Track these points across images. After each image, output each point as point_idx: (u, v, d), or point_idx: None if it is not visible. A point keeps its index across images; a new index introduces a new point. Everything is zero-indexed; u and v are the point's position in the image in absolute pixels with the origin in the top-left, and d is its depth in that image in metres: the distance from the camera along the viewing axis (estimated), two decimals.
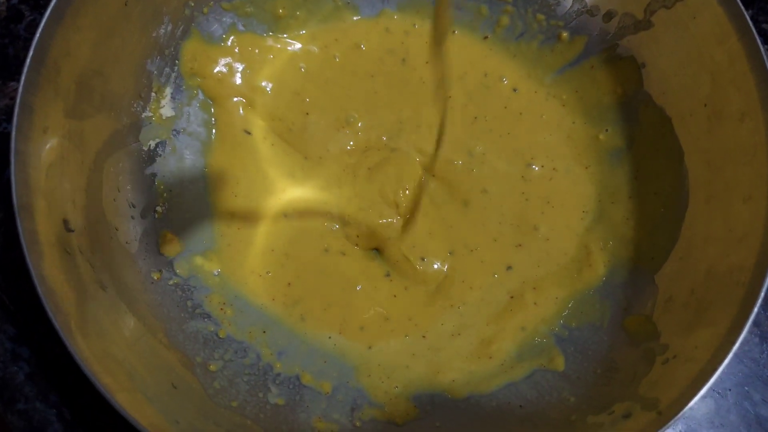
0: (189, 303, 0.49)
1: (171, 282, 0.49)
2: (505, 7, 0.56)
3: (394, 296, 0.52)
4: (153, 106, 0.51)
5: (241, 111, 0.55)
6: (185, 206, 0.52)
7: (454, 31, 0.57)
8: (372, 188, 0.54)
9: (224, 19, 0.54)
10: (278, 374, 0.48)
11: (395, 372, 0.50)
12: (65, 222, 0.41)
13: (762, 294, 0.39)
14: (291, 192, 0.54)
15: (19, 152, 0.38)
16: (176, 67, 0.52)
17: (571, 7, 0.54)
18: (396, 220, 0.54)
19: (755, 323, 0.38)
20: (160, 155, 0.51)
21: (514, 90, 0.56)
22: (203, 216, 0.52)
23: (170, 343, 0.46)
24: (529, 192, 0.54)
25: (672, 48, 0.49)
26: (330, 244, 0.53)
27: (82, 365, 0.36)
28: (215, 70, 0.54)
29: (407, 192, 0.54)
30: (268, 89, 0.55)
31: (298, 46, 0.56)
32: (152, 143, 0.51)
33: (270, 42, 0.55)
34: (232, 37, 0.54)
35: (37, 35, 0.39)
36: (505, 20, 0.56)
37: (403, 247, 0.52)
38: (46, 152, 0.40)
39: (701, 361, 0.39)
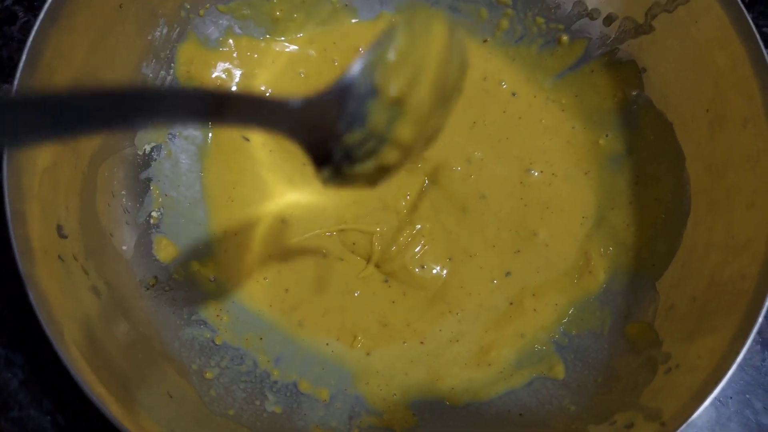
0: (185, 309, 0.48)
1: (166, 288, 0.48)
2: (504, 11, 0.55)
3: (393, 302, 0.52)
4: None
5: None
6: (181, 211, 0.51)
7: None
8: (372, 194, 0.53)
9: (221, 21, 0.53)
10: (275, 381, 0.48)
11: (394, 379, 0.49)
12: (59, 228, 0.40)
13: (766, 303, 0.38)
14: (289, 197, 0.53)
15: (11, 157, 0.37)
16: (172, 71, 0.51)
17: (571, 10, 0.53)
18: (393, 228, 0.53)
19: (757, 331, 0.38)
20: (156, 159, 0.51)
21: (513, 94, 0.56)
22: (199, 221, 0.51)
23: (166, 350, 0.45)
24: (528, 197, 0.54)
25: (673, 52, 0.48)
26: (328, 249, 0.52)
27: (75, 375, 0.35)
28: (213, 76, 0.53)
29: (408, 198, 0.53)
30: (267, 95, 0.55)
31: (296, 48, 0.55)
32: (147, 147, 0.50)
33: (267, 45, 0.55)
34: (229, 41, 0.54)
35: (31, 37, 0.38)
36: (505, 23, 0.56)
37: (404, 257, 0.52)
38: (40, 157, 0.40)
39: (704, 371, 0.38)
